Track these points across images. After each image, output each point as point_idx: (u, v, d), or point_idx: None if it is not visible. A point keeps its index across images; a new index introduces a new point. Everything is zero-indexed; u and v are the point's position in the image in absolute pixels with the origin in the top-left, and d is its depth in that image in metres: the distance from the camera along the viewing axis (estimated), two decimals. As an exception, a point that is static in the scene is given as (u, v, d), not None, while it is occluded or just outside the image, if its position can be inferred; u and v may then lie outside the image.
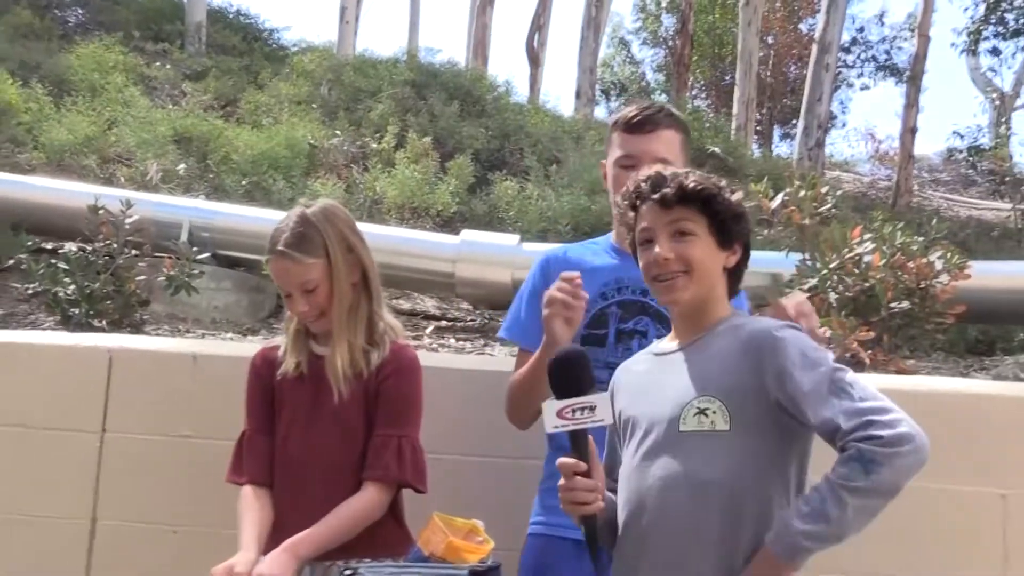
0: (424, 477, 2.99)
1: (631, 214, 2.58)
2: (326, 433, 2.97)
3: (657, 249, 2.49)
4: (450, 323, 9.24)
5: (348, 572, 2.63)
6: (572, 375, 2.41)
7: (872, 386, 2.33)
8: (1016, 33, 18.39)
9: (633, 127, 3.11)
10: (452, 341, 8.41)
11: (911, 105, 19.34)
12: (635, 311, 3.07)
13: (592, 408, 2.37)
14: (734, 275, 2.57)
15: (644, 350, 2.69)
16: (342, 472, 2.95)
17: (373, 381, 2.98)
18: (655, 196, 2.51)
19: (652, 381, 2.53)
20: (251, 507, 2.95)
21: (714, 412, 2.37)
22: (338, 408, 2.96)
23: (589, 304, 3.02)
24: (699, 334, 2.51)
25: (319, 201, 3.09)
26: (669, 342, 2.60)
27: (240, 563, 2.74)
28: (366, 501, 2.91)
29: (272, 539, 2.98)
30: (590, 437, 2.42)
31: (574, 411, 2.37)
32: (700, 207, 2.49)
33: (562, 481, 2.40)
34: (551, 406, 2.39)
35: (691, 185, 2.49)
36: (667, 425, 2.42)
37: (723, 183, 2.55)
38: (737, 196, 2.54)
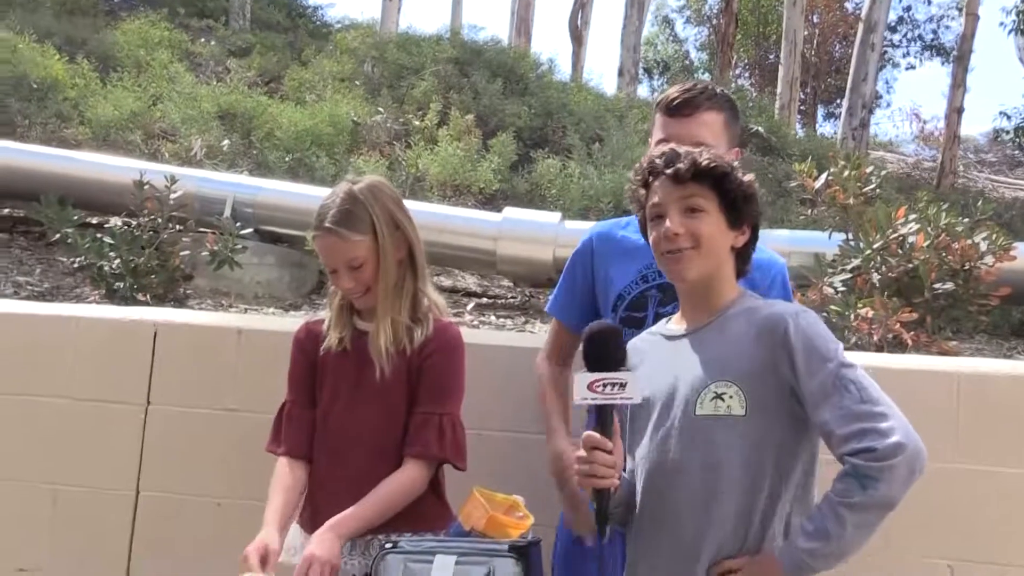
0: (464, 454, 2.98)
1: (642, 191, 2.58)
2: (368, 409, 2.97)
3: (668, 224, 2.48)
4: (491, 300, 9.25)
5: (389, 545, 2.65)
6: (607, 350, 2.42)
7: (874, 386, 2.33)
8: (1066, 12, 18.12)
9: (673, 110, 3.08)
10: (493, 318, 8.42)
11: (958, 85, 19.11)
12: (675, 295, 3.06)
13: (623, 385, 2.37)
14: (742, 256, 2.56)
15: (649, 330, 2.69)
16: (383, 447, 2.96)
17: (416, 358, 2.97)
18: (668, 171, 2.50)
19: (665, 363, 2.52)
20: (282, 481, 2.96)
21: (731, 397, 2.37)
22: (380, 384, 2.95)
23: (629, 287, 3.07)
24: (710, 316, 2.51)
25: (366, 177, 3.07)
26: (677, 324, 2.59)
27: (269, 543, 2.78)
28: (407, 478, 2.91)
29: (311, 512, 3.01)
30: (616, 416, 2.42)
31: (604, 385, 2.38)
32: (712, 184, 2.48)
33: (581, 453, 2.39)
34: (583, 378, 2.39)
35: (704, 162, 2.48)
36: (683, 408, 2.43)
37: (735, 164, 2.56)
38: (749, 177, 2.53)
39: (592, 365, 2.41)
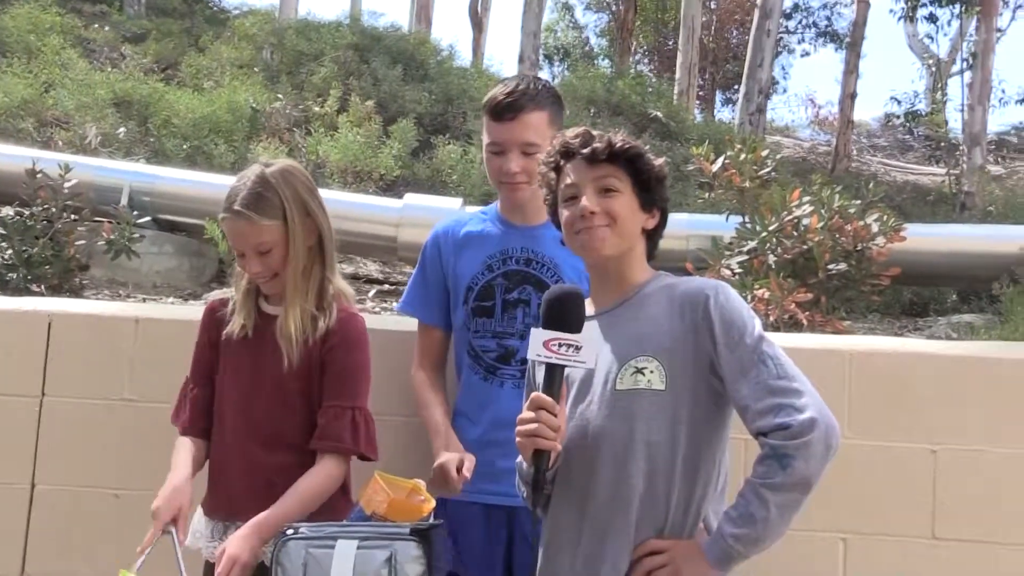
0: (376, 447, 2.97)
1: (552, 174, 2.59)
2: (266, 398, 2.93)
3: (584, 202, 2.49)
4: (392, 287, 9.22)
5: (290, 531, 2.63)
6: (566, 310, 2.40)
7: (790, 363, 2.35)
8: (952, 0, 18.54)
9: (497, 115, 3.12)
10: (394, 305, 8.39)
11: (850, 71, 19.50)
12: (519, 280, 3.13)
13: (578, 348, 2.37)
14: (652, 239, 2.59)
15: None
16: (278, 436, 2.93)
17: (318, 348, 2.93)
18: (584, 151, 2.52)
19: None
20: (183, 445, 2.99)
21: (651, 372, 2.38)
22: (280, 373, 2.92)
23: (476, 278, 3.15)
24: (624, 295, 2.52)
25: (279, 161, 3.03)
26: (589, 306, 2.57)
27: (183, 499, 2.82)
28: (324, 474, 2.88)
29: (211, 498, 3.00)
30: (564, 382, 2.42)
31: (560, 345, 2.37)
32: (626, 166, 2.51)
33: (527, 414, 2.37)
34: (539, 334, 2.38)
35: (619, 143, 2.51)
36: (603, 384, 2.43)
37: (646, 147, 2.58)
38: (660, 161, 2.57)
39: (550, 325, 2.40)
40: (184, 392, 3.07)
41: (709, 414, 2.40)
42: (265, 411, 2.94)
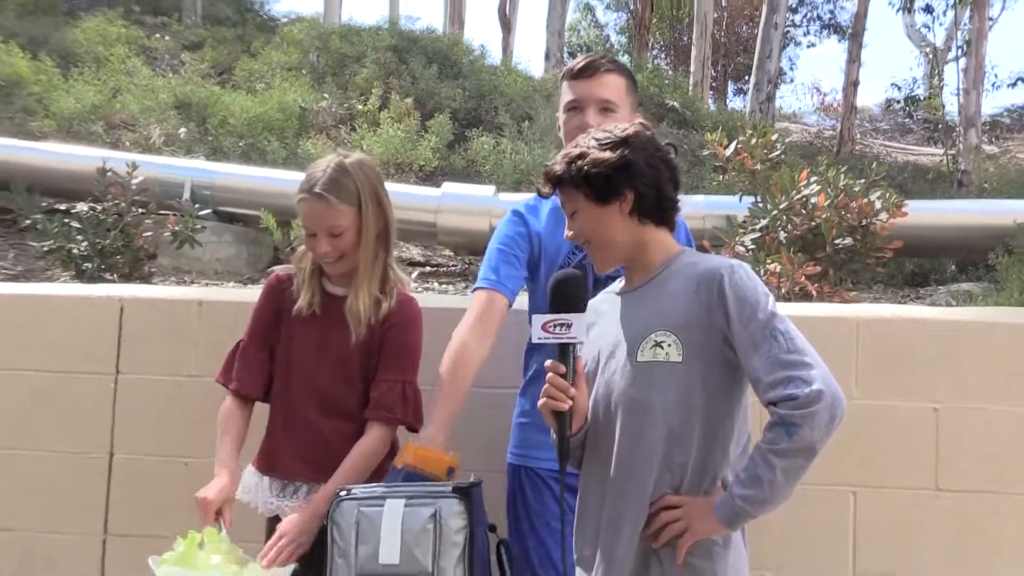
0: (421, 418, 2.98)
1: None
2: (331, 372, 2.97)
3: (566, 232, 2.55)
4: (433, 268, 9.24)
5: (344, 492, 2.65)
6: (565, 293, 2.44)
7: (800, 337, 2.32)
8: (947, -9, 18.36)
9: (577, 74, 3.10)
10: (436, 285, 8.42)
11: (853, 60, 19.29)
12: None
13: (568, 325, 2.39)
14: (650, 213, 2.48)
15: (606, 290, 2.68)
16: (336, 406, 2.96)
17: (379, 328, 2.97)
18: (544, 192, 2.59)
19: (614, 317, 2.53)
20: (232, 422, 2.99)
21: (669, 345, 2.38)
22: (344, 348, 2.95)
23: (567, 255, 3.05)
24: (650, 274, 2.51)
25: (355, 154, 3.05)
26: (627, 282, 2.59)
27: (228, 490, 2.85)
28: (375, 441, 2.92)
29: (266, 458, 3.03)
30: (578, 356, 2.44)
31: (555, 326, 2.40)
32: (571, 184, 2.48)
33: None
34: (538, 319, 2.42)
35: (553, 169, 2.51)
36: (626, 355, 2.44)
37: (591, 143, 2.48)
38: (604, 154, 2.44)
39: (552, 308, 2.44)
40: (237, 354, 3.07)
41: (724, 384, 2.39)
42: (328, 382, 2.97)
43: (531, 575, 2.98)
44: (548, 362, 2.42)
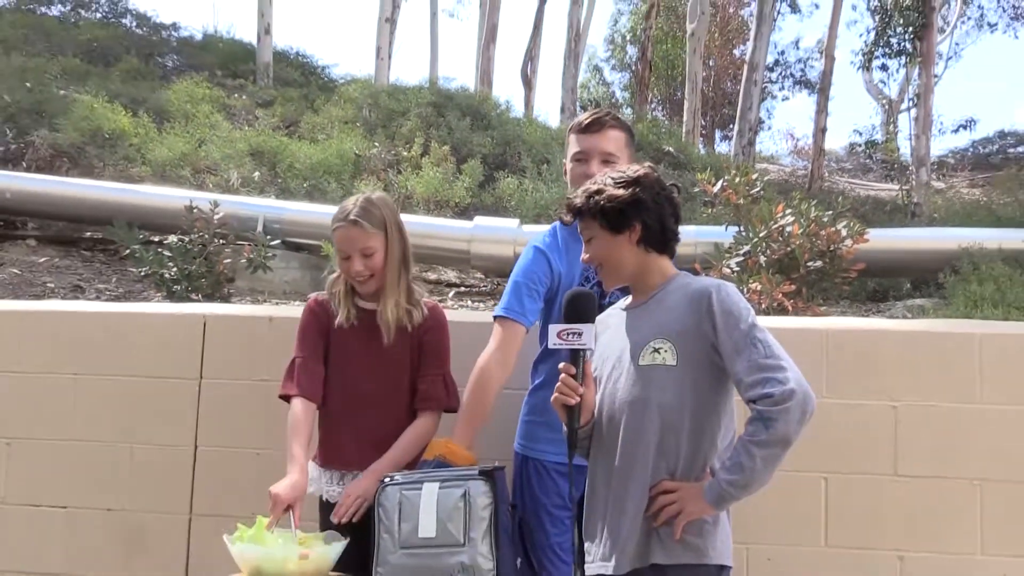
0: (459, 400, 3.01)
1: None
2: (378, 369, 2.99)
3: (582, 254, 2.57)
4: (467, 289, 9.24)
5: (387, 479, 2.65)
6: (577, 307, 2.46)
7: (776, 345, 2.34)
8: (899, 53, 18.20)
9: (584, 128, 3.07)
10: (469, 302, 8.42)
11: (821, 111, 19.20)
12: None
13: (579, 334, 2.41)
14: (654, 242, 2.51)
15: (614, 306, 2.68)
16: (385, 401, 2.98)
17: (416, 333, 3.00)
18: (566, 219, 2.61)
19: (620, 329, 2.54)
20: (302, 423, 2.93)
21: (665, 351, 2.40)
22: (387, 351, 2.98)
23: (580, 281, 3.01)
24: (650, 293, 2.53)
25: (376, 192, 3.12)
26: (632, 300, 2.61)
27: (300, 485, 2.80)
28: (426, 426, 2.96)
29: (327, 452, 3.03)
30: (587, 360, 2.45)
31: (568, 334, 2.42)
32: (588, 215, 2.51)
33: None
34: (554, 328, 2.45)
35: (574, 202, 2.53)
36: (630, 360, 2.45)
37: (608, 181, 2.51)
38: (618, 191, 2.47)
39: (566, 320, 2.45)
40: (296, 367, 3.04)
41: (712, 385, 2.40)
42: (371, 384, 2.97)
43: (529, 553, 2.96)
44: (562, 364, 2.44)
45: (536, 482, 3.04)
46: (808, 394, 2.26)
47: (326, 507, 2.96)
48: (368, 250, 2.93)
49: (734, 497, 2.30)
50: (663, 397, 2.38)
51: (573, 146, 3.10)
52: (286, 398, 3.02)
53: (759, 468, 2.26)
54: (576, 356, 2.43)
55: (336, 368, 3.04)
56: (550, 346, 2.46)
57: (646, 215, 2.48)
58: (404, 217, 3.14)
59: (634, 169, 2.54)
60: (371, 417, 2.97)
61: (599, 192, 2.49)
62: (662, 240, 2.53)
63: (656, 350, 2.40)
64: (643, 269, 2.52)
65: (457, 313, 6.20)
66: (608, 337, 2.56)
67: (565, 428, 2.45)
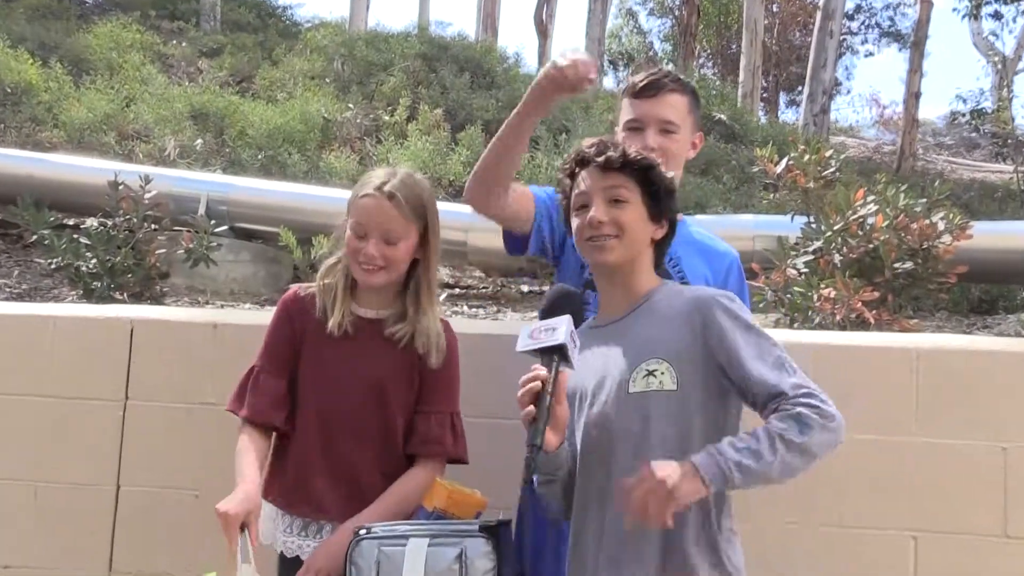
0: (466, 450, 3.01)
1: (568, 180, 2.67)
2: (359, 398, 2.93)
3: (593, 212, 2.56)
4: (463, 291, 9.25)
5: (363, 531, 2.65)
6: (556, 306, 2.52)
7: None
8: (1018, -3, 18.25)
9: (639, 92, 3.15)
10: (465, 308, 8.43)
11: (914, 70, 19.24)
12: None
13: (553, 329, 2.43)
14: (659, 249, 2.67)
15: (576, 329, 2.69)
16: (371, 436, 2.93)
17: (416, 355, 2.96)
18: (599, 159, 2.58)
19: (595, 351, 2.56)
20: (254, 445, 2.93)
21: (662, 373, 2.43)
22: (382, 375, 2.94)
23: (575, 265, 3.08)
24: (632, 303, 2.57)
25: (415, 172, 3.05)
26: (601, 317, 2.66)
27: (252, 504, 2.75)
28: (426, 477, 2.89)
29: (293, 496, 2.97)
30: (561, 370, 2.43)
31: (541, 331, 2.45)
32: (636, 177, 2.57)
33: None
34: (525, 328, 2.47)
35: (633, 154, 2.59)
36: (616, 388, 2.48)
37: (659, 161, 2.66)
38: (672, 174, 2.68)
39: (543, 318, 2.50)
40: (251, 380, 3.01)
41: (719, 410, 2.46)
42: (355, 410, 2.94)
43: None
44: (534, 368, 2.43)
45: (536, 531, 3.03)
46: (844, 426, 2.36)
47: (285, 563, 2.94)
48: (394, 236, 2.88)
49: (734, 483, 2.30)
50: (665, 431, 2.41)
51: (626, 112, 3.18)
52: (234, 413, 3.02)
53: (776, 467, 2.29)
54: (549, 358, 2.42)
55: (313, 386, 2.98)
56: (518, 349, 2.47)
57: (674, 216, 2.67)
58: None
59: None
60: (356, 456, 2.93)
61: (661, 167, 2.62)
62: (665, 251, 2.70)
63: (650, 373, 2.43)
64: (638, 269, 2.61)
65: (450, 322, 6.21)
66: (582, 360, 2.54)
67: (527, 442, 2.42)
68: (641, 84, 3.15)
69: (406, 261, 2.94)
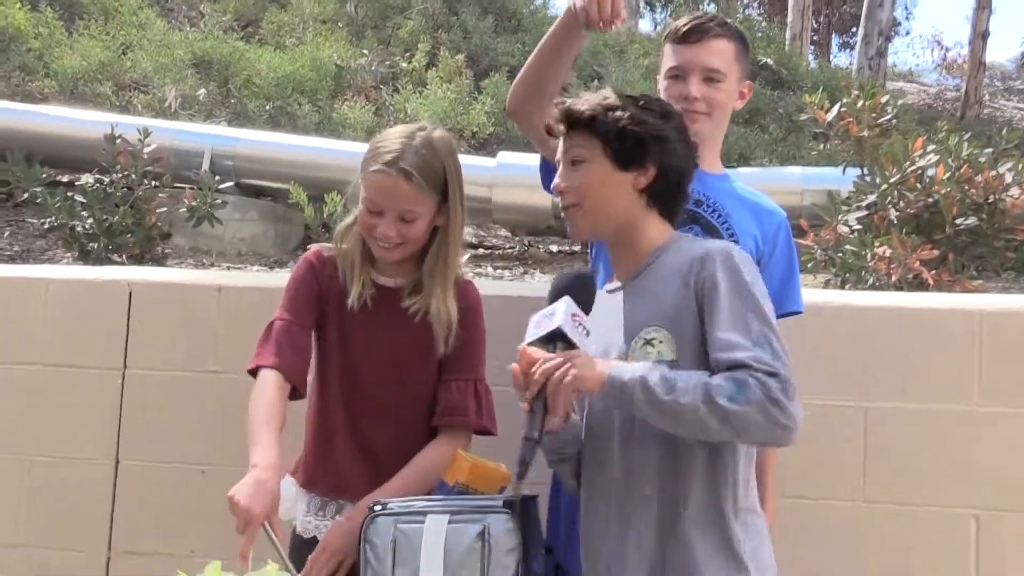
0: (495, 419, 2.98)
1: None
2: (387, 375, 2.94)
3: (556, 179, 2.54)
4: (487, 251, 9.25)
5: (379, 507, 2.66)
6: (559, 289, 2.50)
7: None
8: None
9: (681, 37, 3.12)
10: (490, 269, 8.43)
11: (983, 7, 18.97)
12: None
13: (551, 314, 2.42)
14: (662, 197, 2.53)
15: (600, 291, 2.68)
16: (389, 413, 2.95)
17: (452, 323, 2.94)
18: (557, 129, 2.56)
19: (603, 318, 2.53)
20: (274, 403, 2.79)
21: (660, 342, 2.38)
22: (402, 349, 2.93)
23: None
24: (639, 264, 2.52)
25: (437, 129, 2.97)
26: (613, 279, 2.62)
27: (258, 500, 2.60)
28: (444, 451, 2.88)
29: (313, 473, 2.99)
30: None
31: (543, 318, 2.44)
32: (590, 130, 2.48)
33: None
34: (569, 306, 2.44)
35: (576, 107, 2.50)
36: (618, 358, 2.44)
37: (631, 99, 2.52)
38: (646, 116, 2.49)
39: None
40: (270, 331, 2.93)
41: None
42: (378, 385, 2.94)
43: None
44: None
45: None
46: (795, 435, 2.24)
47: (300, 544, 2.95)
48: (411, 214, 2.83)
49: (628, 399, 2.27)
50: None
51: (668, 59, 3.15)
52: (255, 372, 2.90)
53: (685, 416, 2.22)
54: (552, 345, 2.40)
55: (333, 355, 2.98)
56: (526, 342, 2.44)
57: (668, 159, 2.49)
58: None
59: (664, 104, 2.58)
60: (378, 430, 2.94)
61: (620, 107, 2.48)
62: (672, 200, 2.55)
63: (648, 342, 2.39)
64: (632, 226, 2.52)
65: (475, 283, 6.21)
66: (593, 322, 2.53)
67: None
68: (684, 29, 3.11)
69: (426, 233, 2.90)
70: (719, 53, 3.09)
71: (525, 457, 2.37)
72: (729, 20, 3.23)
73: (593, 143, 2.48)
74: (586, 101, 2.51)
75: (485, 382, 2.98)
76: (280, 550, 2.62)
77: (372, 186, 2.84)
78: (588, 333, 2.41)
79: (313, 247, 3.10)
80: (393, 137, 2.89)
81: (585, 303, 2.47)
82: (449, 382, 2.95)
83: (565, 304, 2.43)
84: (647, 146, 2.46)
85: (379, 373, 2.94)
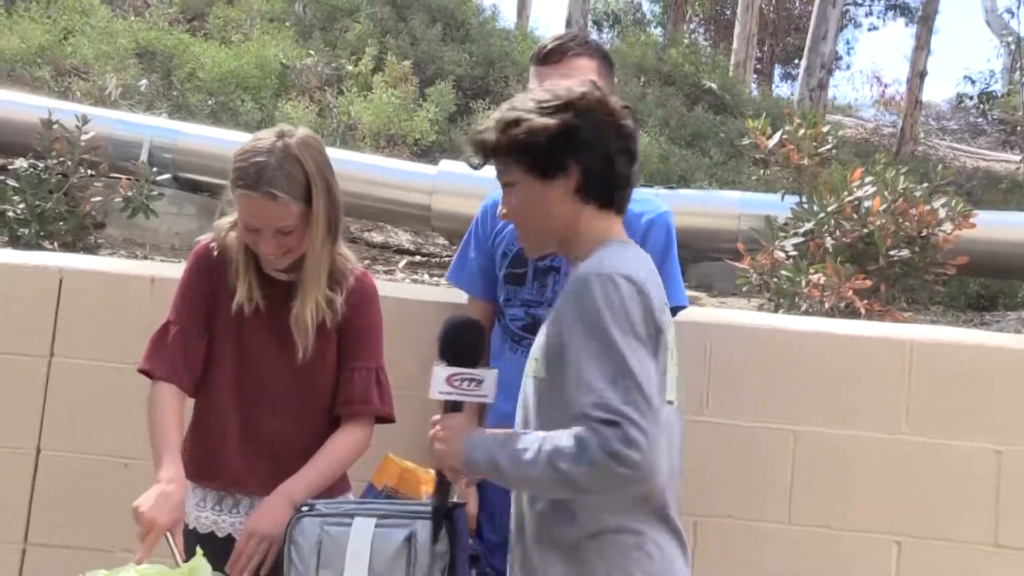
0: (393, 407, 2.99)
1: None
2: (272, 364, 2.93)
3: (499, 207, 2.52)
4: (424, 258, 9.23)
5: (305, 508, 2.64)
6: (466, 342, 2.47)
7: (654, 385, 2.18)
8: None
9: (543, 59, 3.17)
10: (426, 277, 8.41)
11: (921, 47, 19.30)
12: None
13: (480, 382, 2.40)
14: (601, 192, 2.39)
15: None
16: (282, 404, 2.93)
17: (338, 315, 2.94)
18: (472, 166, 2.54)
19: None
20: (170, 411, 2.87)
21: (537, 359, 2.37)
22: (292, 342, 2.90)
23: (510, 244, 3.14)
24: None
25: (299, 130, 2.92)
26: None
27: (163, 511, 2.66)
28: (358, 437, 2.91)
29: (204, 467, 2.96)
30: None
31: (462, 380, 2.41)
32: (504, 154, 2.40)
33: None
34: (442, 371, 2.41)
35: (484, 136, 2.42)
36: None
37: (530, 106, 2.38)
38: (545, 120, 2.34)
39: (452, 360, 2.43)
40: (165, 336, 2.96)
41: None
42: (270, 377, 2.93)
43: None
44: (434, 419, 2.42)
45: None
46: (651, 472, 2.09)
47: (195, 538, 2.90)
48: (286, 227, 2.81)
49: (491, 476, 2.30)
50: (539, 420, 2.32)
51: (533, 81, 3.17)
52: (148, 374, 2.94)
53: (540, 487, 2.23)
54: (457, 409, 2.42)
55: (226, 349, 2.97)
56: (433, 396, 2.44)
57: (585, 153, 2.35)
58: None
59: (567, 89, 2.40)
60: (272, 423, 2.93)
61: (517, 122, 2.36)
62: (605, 187, 2.39)
63: (535, 357, 2.38)
64: (576, 230, 2.40)
65: (409, 289, 6.20)
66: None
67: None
68: (545, 50, 3.18)
69: (307, 235, 2.86)
70: (580, 71, 3.07)
71: (436, 522, 2.46)
72: (589, 39, 3.27)
73: (512, 164, 2.39)
74: (488, 128, 2.42)
75: (384, 370, 2.99)
76: (180, 560, 2.62)
77: (242, 209, 2.83)
78: (481, 381, 2.38)
79: (203, 239, 3.07)
80: (255, 152, 2.83)
81: (472, 348, 2.45)
82: (351, 371, 2.95)
83: (438, 372, 2.41)
84: (557, 150, 2.34)
85: (273, 365, 2.93)
